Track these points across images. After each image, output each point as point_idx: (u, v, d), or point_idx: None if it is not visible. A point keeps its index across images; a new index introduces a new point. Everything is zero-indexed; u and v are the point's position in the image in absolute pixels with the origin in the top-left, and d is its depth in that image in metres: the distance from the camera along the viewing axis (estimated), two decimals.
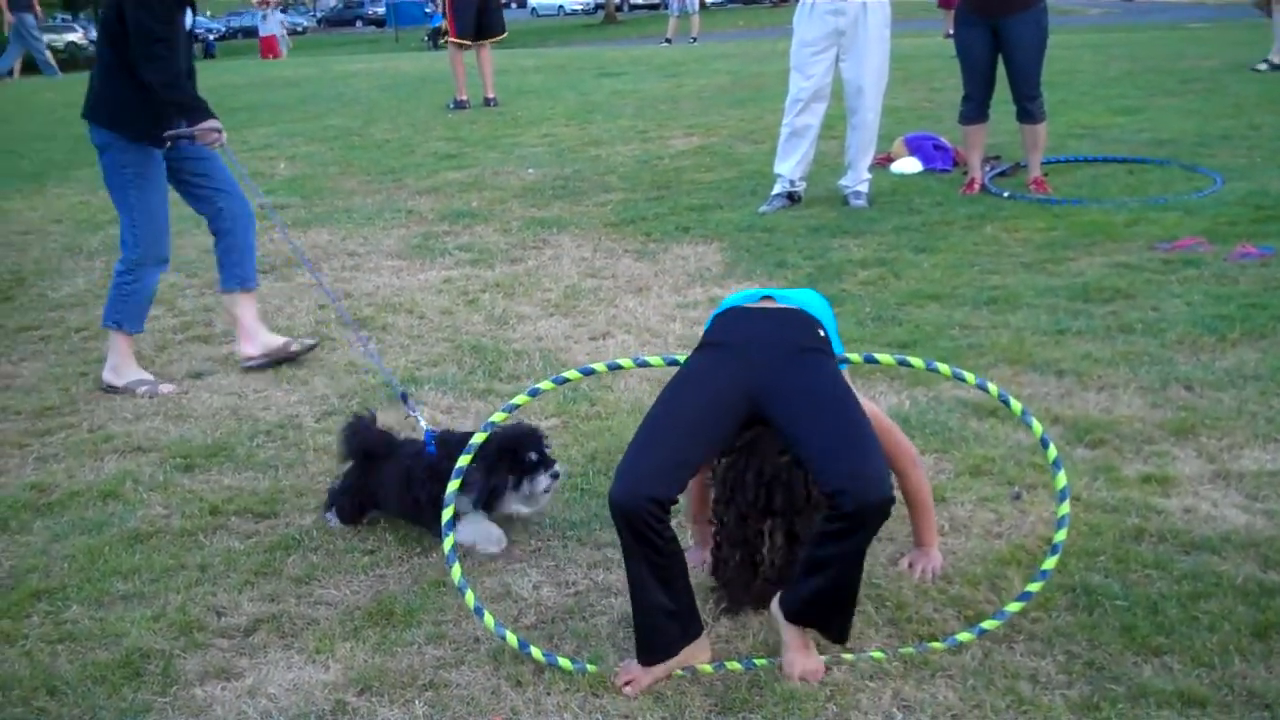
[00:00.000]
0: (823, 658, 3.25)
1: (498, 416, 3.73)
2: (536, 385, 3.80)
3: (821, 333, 3.43)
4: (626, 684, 3.22)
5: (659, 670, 3.25)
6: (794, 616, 3.22)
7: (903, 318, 5.94)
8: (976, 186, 8.55)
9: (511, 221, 8.60)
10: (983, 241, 7.26)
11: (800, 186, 8.54)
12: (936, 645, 3.29)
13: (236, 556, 4.06)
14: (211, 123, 5.43)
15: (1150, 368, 5.09)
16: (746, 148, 10.90)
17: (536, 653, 3.33)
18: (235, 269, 5.90)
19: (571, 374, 3.82)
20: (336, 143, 12.47)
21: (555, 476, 4.04)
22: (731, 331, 3.49)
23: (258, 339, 5.90)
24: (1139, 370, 5.07)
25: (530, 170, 10.44)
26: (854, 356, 3.58)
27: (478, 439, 3.71)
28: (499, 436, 3.94)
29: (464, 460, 3.66)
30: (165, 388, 5.68)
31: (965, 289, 6.32)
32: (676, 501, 3.23)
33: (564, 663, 3.30)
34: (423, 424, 4.31)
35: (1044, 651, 3.26)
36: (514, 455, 3.99)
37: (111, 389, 5.68)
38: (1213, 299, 5.86)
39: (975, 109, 8.55)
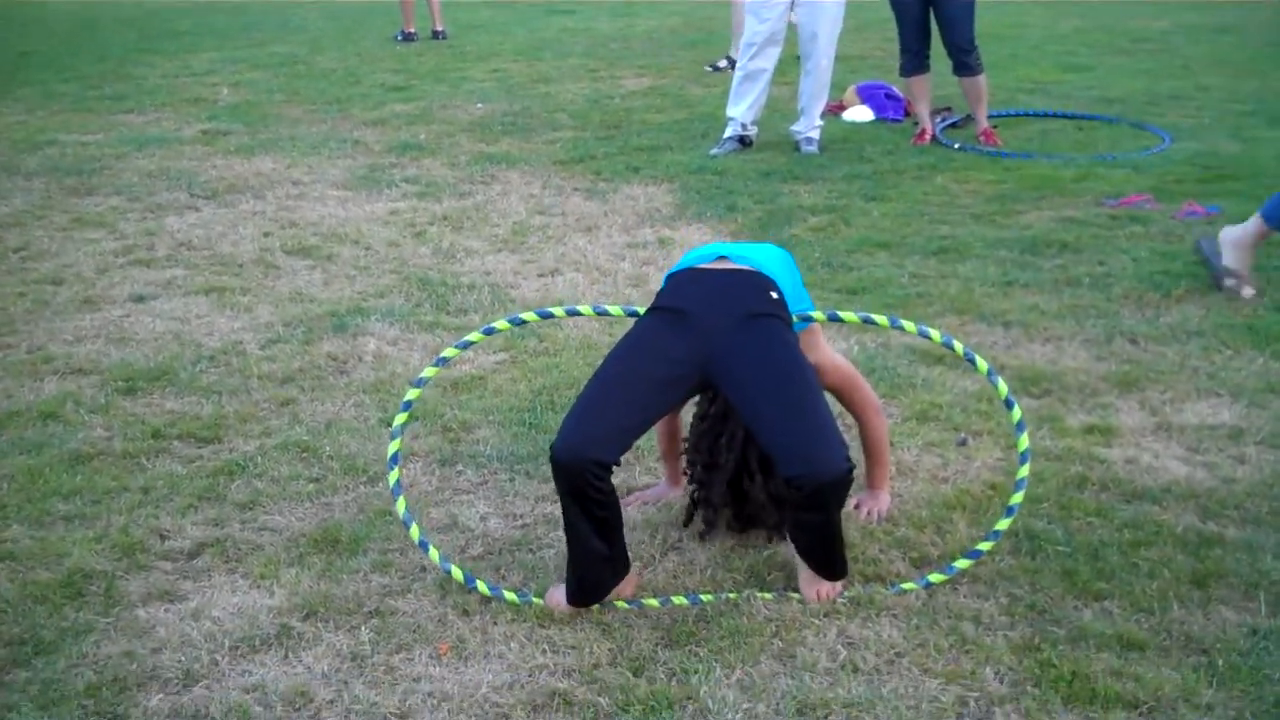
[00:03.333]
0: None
1: (449, 352, 3.71)
2: (491, 324, 3.74)
3: (775, 295, 3.40)
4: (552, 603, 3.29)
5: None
6: (797, 551, 3.31)
7: (852, 265, 5.95)
8: (927, 137, 8.56)
9: (459, 156, 8.52)
10: (933, 192, 7.28)
11: (752, 130, 8.51)
12: (881, 590, 3.31)
13: (179, 480, 4.01)
14: None
15: (1096, 321, 5.14)
16: (698, 90, 10.85)
17: (482, 587, 3.33)
18: None
19: (529, 316, 3.78)
20: (281, 70, 12.27)
21: None
22: (684, 296, 3.45)
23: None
24: (1085, 323, 5.12)
25: (479, 105, 10.33)
26: (818, 315, 3.57)
27: (412, 395, 3.64)
28: None
29: (413, 394, 3.62)
30: (1247, 291, 5.40)
31: (914, 238, 6.34)
32: (619, 463, 3.25)
33: (510, 596, 3.30)
34: None
35: (987, 594, 3.30)
36: None
37: (1227, 270, 5.41)
38: (1159, 255, 5.92)
39: (913, 61, 8.57)
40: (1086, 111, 9.53)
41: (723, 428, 3.54)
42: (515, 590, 3.34)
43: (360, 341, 5.13)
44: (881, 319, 3.64)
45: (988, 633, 3.13)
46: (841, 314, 3.66)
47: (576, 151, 8.50)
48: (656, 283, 5.62)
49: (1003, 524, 3.44)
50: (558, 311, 3.79)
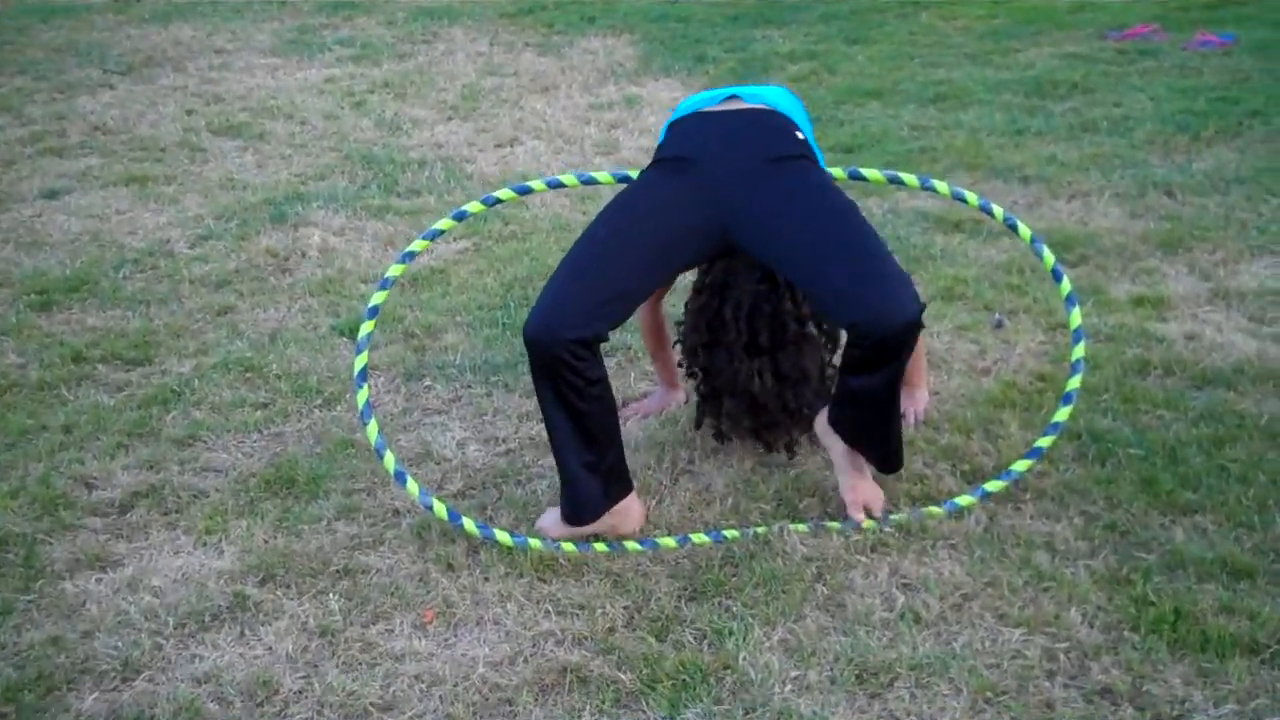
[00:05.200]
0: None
1: (418, 244, 3.13)
2: (462, 208, 3.19)
3: (799, 135, 2.88)
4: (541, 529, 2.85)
5: (582, 531, 2.83)
6: (847, 439, 2.84)
7: (843, 118, 5.41)
8: None
9: (397, 12, 7.88)
10: (920, 31, 6.74)
11: None
12: (934, 511, 2.84)
13: (106, 414, 3.47)
14: None
15: (1123, 171, 4.65)
16: None
17: (470, 525, 2.82)
18: None
19: (505, 194, 3.20)
20: None
21: None
22: (691, 143, 2.91)
23: None
24: (1111, 175, 4.63)
25: None
26: (838, 171, 3.03)
27: (393, 272, 3.09)
28: None
29: (379, 297, 3.06)
30: None
31: (908, 84, 5.80)
32: (606, 339, 2.73)
33: (502, 536, 2.80)
34: None
35: (1057, 513, 2.83)
36: None
37: None
38: (1178, 93, 5.41)
39: None
40: None
41: (725, 296, 3.01)
42: (508, 531, 2.84)
43: (303, 233, 4.56)
44: (910, 178, 3.09)
45: (1066, 563, 2.67)
46: (865, 171, 3.12)
47: (525, 2, 7.84)
48: (628, 149, 5.08)
49: (1061, 414, 2.95)
50: (537, 185, 3.23)
